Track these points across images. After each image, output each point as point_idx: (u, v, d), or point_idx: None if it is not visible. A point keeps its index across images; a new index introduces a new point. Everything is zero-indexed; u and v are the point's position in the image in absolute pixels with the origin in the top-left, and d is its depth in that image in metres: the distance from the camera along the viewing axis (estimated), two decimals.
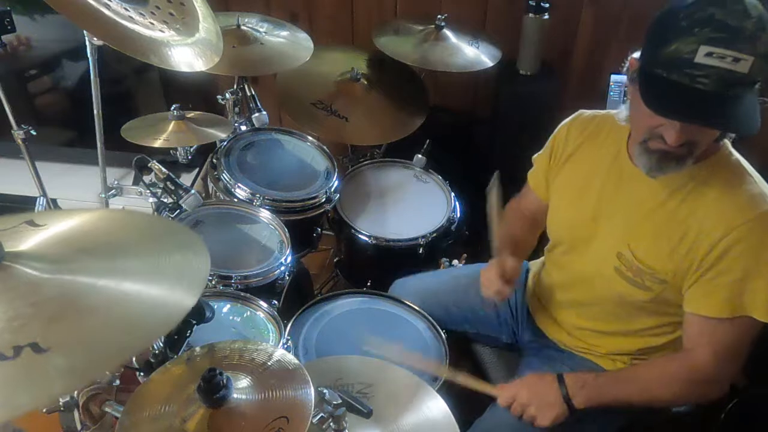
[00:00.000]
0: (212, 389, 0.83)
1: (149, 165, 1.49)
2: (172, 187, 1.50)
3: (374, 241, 1.78)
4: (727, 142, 1.16)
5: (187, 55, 1.37)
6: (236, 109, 1.94)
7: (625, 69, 1.13)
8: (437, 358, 1.39)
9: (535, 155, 1.45)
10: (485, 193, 1.38)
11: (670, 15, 0.99)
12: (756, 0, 0.96)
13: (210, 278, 1.43)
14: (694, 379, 1.17)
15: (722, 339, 1.13)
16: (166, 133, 1.61)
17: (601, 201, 1.26)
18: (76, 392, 1.01)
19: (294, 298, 1.62)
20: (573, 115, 1.37)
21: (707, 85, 0.96)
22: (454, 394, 1.24)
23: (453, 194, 1.92)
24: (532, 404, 1.21)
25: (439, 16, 2.04)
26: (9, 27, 1.47)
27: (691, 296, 1.15)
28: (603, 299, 1.29)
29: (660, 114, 1.02)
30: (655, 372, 1.22)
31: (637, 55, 1.08)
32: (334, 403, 0.93)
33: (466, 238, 1.93)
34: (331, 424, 0.93)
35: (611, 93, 1.99)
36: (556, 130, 1.38)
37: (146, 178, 1.53)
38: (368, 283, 1.80)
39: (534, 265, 1.57)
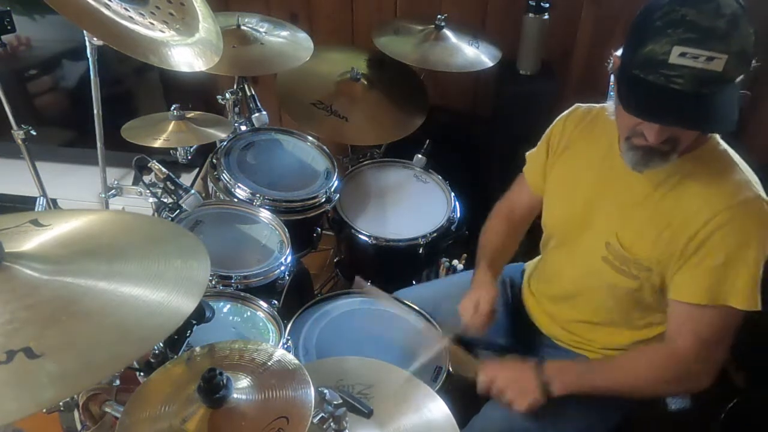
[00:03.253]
0: (212, 389, 0.83)
1: (149, 165, 1.49)
2: (172, 187, 1.50)
3: (374, 241, 1.78)
4: (716, 135, 1.17)
5: (187, 55, 1.37)
6: (236, 109, 1.94)
7: (609, 66, 1.14)
8: (437, 357, 1.39)
9: (529, 152, 1.46)
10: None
11: (646, 16, 1.00)
12: None
13: (210, 278, 1.42)
14: (675, 369, 1.18)
15: (705, 326, 1.15)
16: (166, 133, 1.61)
17: (592, 194, 1.28)
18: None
19: (294, 298, 1.62)
20: (570, 109, 1.38)
21: (682, 85, 0.97)
22: (452, 394, 1.24)
23: (453, 194, 1.92)
24: (509, 390, 1.22)
25: (439, 16, 2.04)
26: (9, 27, 1.47)
27: (675, 283, 1.17)
28: (593, 290, 1.31)
29: (636, 116, 1.04)
30: (637, 361, 1.23)
31: (620, 52, 1.09)
32: (335, 403, 0.92)
33: (466, 238, 1.92)
34: (332, 424, 0.93)
35: (611, 93, 1.99)
36: (552, 123, 1.39)
37: (146, 178, 1.53)
38: (368, 283, 1.80)
39: (529, 265, 1.58)
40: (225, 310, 1.41)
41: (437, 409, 1.11)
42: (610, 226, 1.23)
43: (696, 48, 0.94)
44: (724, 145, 1.17)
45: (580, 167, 1.31)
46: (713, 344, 1.16)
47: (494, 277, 1.43)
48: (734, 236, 1.09)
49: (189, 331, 1.04)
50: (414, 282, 1.80)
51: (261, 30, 1.91)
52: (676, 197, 1.15)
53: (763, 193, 1.12)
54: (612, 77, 1.15)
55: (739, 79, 1.00)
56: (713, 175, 1.13)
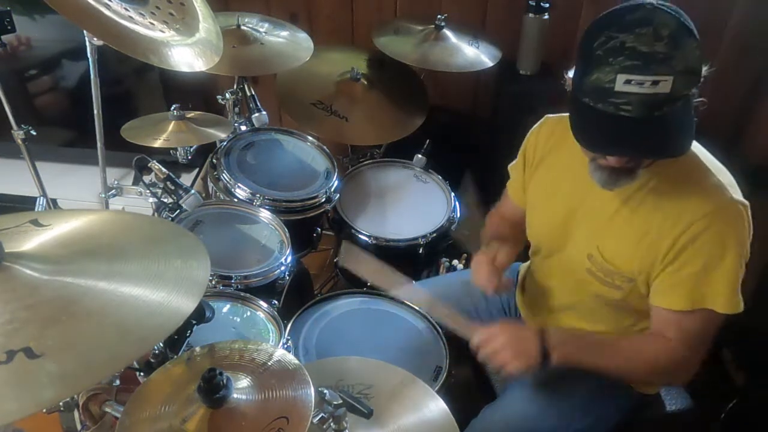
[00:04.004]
0: (212, 389, 0.83)
1: (149, 165, 1.49)
2: (172, 187, 1.50)
3: (374, 241, 1.78)
4: None
5: (187, 55, 1.37)
6: (236, 109, 1.94)
7: (566, 86, 1.11)
8: (437, 357, 1.39)
9: (511, 164, 1.45)
10: (461, 193, 1.38)
11: (588, 43, 1.00)
12: (668, 17, 0.95)
13: (210, 278, 1.42)
14: (666, 361, 1.18)
15: (688, 329, 1.15)
16: (166, 133, 1.61)
17: (570, 205, 1.27)
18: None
19: (294, 298, 1.62)
20: (540, 121, 1.37)
21: (632, 112, 0.96)
22: (452, 394, 1.24)
23: (453, 194, 1.92)
24: (507, 349, 1.16)
25: (439, 16, 2.04)
26: (9, 27, 1.47)
27: (655, 289, 1.17)
28: (582, 300, 1.30)
29: (591, 150, 1.04)
30: (635, 348, 1.22)
31: (572, 73, 1.07)
32: (335, 403, 0.93)
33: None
34: (332, 424, 0.93)
35: None
36: (526, 137, 1.38)
37: (146, 178, 1.53)
38: (368, 283, 1.80)
39: (523, 268, 1.58)
40: (225, 310, 1.41)
41: (437, 408, 1.11)
42: (590, 237, 1.23)
43: (639, 74, 0.94)
44: (693, 148, 1.14)
45: (557, 179, 1.31)
46: (696, 344, 1.16)
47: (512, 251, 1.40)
48: (712, 243, 1.09)
49: (189, 331, 1.04)
50: (413, 282, 1.79)
51: (261, 30, 1.91)
52: (651, 205, 1.14)
53: (736, 195, 1.11)
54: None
55: (693, 91, 0.99)
56: (685, 182, 1.12)
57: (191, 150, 1.73)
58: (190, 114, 1.68)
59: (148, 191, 1.54)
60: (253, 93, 1.90)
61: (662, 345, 1.19)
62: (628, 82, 0.94)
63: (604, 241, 1.21)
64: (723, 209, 1.09)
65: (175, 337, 1.04)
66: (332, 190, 1.84)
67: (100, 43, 1.42)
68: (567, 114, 1.29)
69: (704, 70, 0.99)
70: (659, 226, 1.13)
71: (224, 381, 0.84)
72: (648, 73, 0.93)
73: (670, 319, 1.16)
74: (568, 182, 1.27)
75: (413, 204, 1.92)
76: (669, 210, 1.12)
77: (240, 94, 1.91)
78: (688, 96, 0.99)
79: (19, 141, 1.60)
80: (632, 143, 0.99)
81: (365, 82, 2.02)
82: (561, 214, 1.28)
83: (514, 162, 1.44)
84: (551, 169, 1.33)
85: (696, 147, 1.16)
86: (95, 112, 1.57)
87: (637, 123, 0.96)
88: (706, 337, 1.17)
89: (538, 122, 1.37)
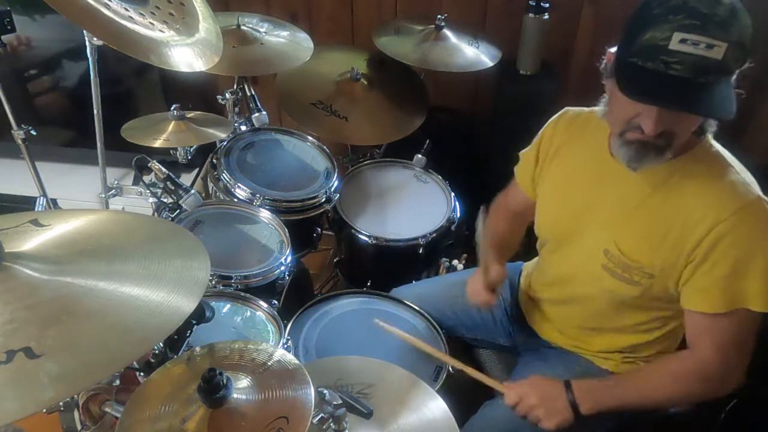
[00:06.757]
0: (212, 389, 0.83)
1: (149, 165, 1.49)
2: (172, 187, 1.50)
3: (374, 241, 1.78)
4: (709, 136, 1.16)
5: (187, 55, 1.37)
6: (236, 109, 1.95)
7: (602, 65, 1.14)
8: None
9: (523, 151, 1.45)
10: (474, 226, 1.41)
11: (646, 5, 1.01)
12: None
13: (210, 278, 1.42)
14: (701, 378, 1.17)
15: (724, 333, 1.13)
16: (166, 133, 1.61)
17: (586, 198, 1.26)
18: None
19: (294, 298, 1.62)
20: (559, 113, 1.37)
21: (681, 71, 0.96)
22: (452, 394, 1.24)
23: (453, 194, 1.92)
24: (540, 408, 1.21)
25: (439, 16, 2.04)
26: (9, 27, 1.47)
27: (688, 293, 1.15)
28: (591, 296, 1.29)
29: (634, 98, 1.02)
30: (660, 372, 1.22)
31: (614, 49, 1.09)
32: (335, 403, 0.93)
33: (466, 239, 1.92)
34: (332, 424, 0.93)
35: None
36: (543, 128, 1.38)
37: (146, 178, 1.53)
38: (368, 284, 1.80)
39: (527, 266, 1.57)
40: (225, 310, 1.41)
41: (437, 408, 1.11)
42: (608, 232, 1.22)
43: (696, 34, 0.94)
44: (716, 146, 1.16)
45: (572, 171, 1.30)
46: (734, 348, 1.14)
47: (502, 261, 1.42)
48: (742, 242, 1.08)
49: (189, 331, 1.04)
50: (413, 282, 1.79)
51: (261, 30, 1.91)
52: (675, 200, 1.14)
53: (761, 193, 1.11)
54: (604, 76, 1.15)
55: (735, 75, 1.00)
56: (711, 177, 1.12)
57: (191, 150, 1.73)
58: (190, 114, 1.68)
59: (148, 191, 1.54)
60: (253, 93, 1.91)
61: (693, 362, 1.17)
62: (683, 41, 0.95)
63: (624, 234, 1.19)
64: (750, 207, 1.09)
65: (175, 337, 1.04)
66: (332, 190, 1.84)
67: (100, 43, 1.42)
68: (587, 108, 1.31)
69: (746, 63, 1.00)
70: (685, 218, 1.12)
71: (224, 381, 0.84)
72: (705, 34, 0.94)
73: (704, 324, 1.14)
74: (584, 175, 1.27)
75: (413, 204, 1.92)
76: (696, 203, 1.11)
77: (240, 94, 1.91)
78: (732, 79, 1.00)
79: (19, 141, 1.60)
80: (676, 98, 0.99)
81: (365, 82, 2.02)
82: (574, 207, 1.28)
83: (526, 149, 1.43)
84: (567, 161, 1.32)
85: (718, 146, 1.17)
86: (95, 112, 1.57)
87: (684, 83, 0.97)
88: (743, 342, 1.14)
89: (558, 113, 1.37)
